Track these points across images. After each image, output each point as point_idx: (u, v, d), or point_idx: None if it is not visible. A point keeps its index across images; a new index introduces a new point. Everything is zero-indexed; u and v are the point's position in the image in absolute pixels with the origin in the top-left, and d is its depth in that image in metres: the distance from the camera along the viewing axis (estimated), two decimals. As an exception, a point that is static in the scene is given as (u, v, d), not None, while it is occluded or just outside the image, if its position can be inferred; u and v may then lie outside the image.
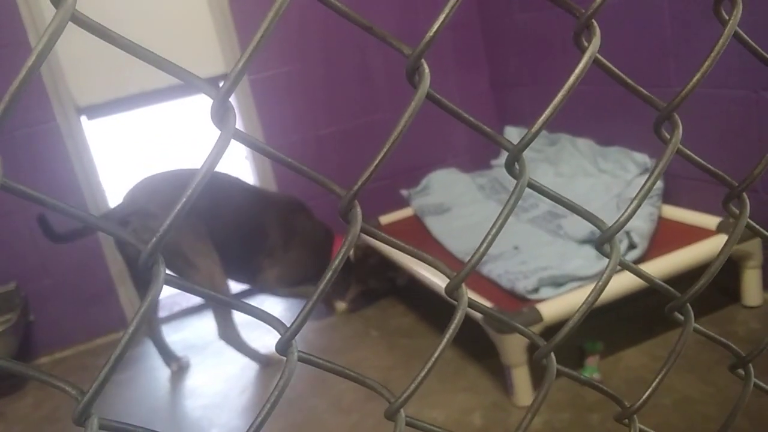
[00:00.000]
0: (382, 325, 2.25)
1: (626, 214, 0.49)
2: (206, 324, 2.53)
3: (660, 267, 1.68)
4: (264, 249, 2.26)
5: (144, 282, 2.17)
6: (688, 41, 1.88)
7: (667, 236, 1.86)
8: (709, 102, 1.83)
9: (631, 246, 1.77)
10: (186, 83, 0.42)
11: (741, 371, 0.62)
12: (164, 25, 2.47)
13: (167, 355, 2.22)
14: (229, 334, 2.10)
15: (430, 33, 0.44)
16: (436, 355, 0.50)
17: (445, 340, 0.49)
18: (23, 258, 2.41)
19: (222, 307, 2.07)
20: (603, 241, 0.51)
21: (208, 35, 2.52)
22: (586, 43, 0.48)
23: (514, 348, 1.57)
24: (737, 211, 0.54)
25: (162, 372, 2.22)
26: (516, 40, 2.67)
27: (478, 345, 1.83)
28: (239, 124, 2.59)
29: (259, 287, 2.34)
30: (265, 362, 2.10)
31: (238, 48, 2.53)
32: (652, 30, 1.98)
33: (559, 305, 1.61)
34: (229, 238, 2.16)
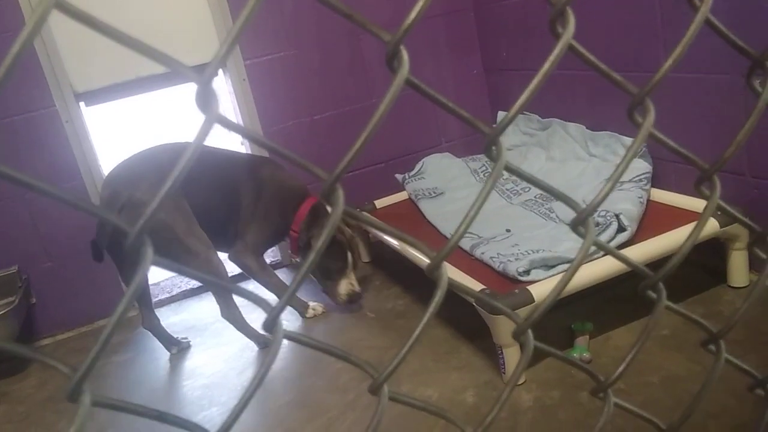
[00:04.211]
0: (378, 307, 2.28)
1: (600, 196, 0.51)
2: (205, 305, 2.56)
3: (649, 249, 1.71)
4: (239, 209, 2.22)
5: (130, 266, 2.18)
6: (677, 25, 1.88)
7: (655, 219, 1.88)
8: (697, 87, 1.84)
9: (621, 229, 1.79)
10: (171, 70, 0.44)
11: (712, 347, 0.64)
12: (161, 11, 2.47)
13: (167, 341, 2.25)
14: (230, 314, 2.11)
15: (408, 20, 0.46)
16: (417, 332, 0.52)
17: (426, 317, 0.52)
18: (24, 242, 2.43)
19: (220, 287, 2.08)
20: (577, 222, 0.53)
21: (204, 21, 2.52)
22: (561, 30, 0.49)
23: (505, 328, 1.60)
24: (708, 193, 0.55)
25: (162, 353, 2.25)
26: (509, 25, 2.67)
27: (471, 325, 1.86)
28: (236, 109, 2.61)
29: (234, 254, 2.23)
30: (263, 343, 2.13)
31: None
32: (641, 13, 1.98)
33: (549, 287, 1.62)
34: (208, 208, 2.13)
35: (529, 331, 0.55)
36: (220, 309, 2.12)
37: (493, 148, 0.50)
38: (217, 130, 0.44)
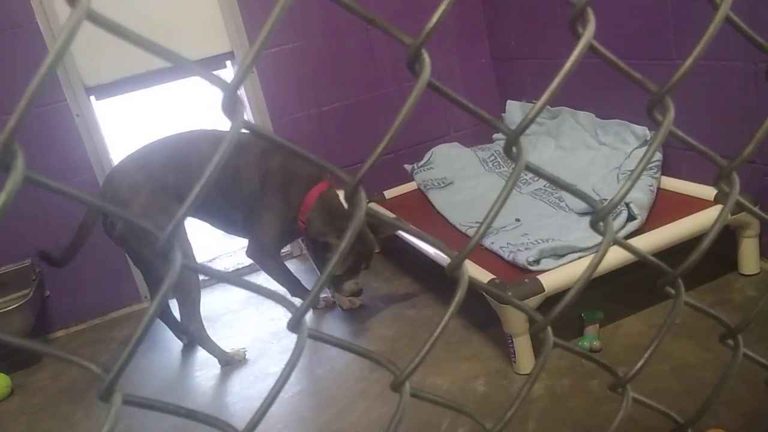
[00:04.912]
0: (388, 296, 2.30)
1: (619, 194, 0.52)
2: (217, 297, 2.59)
3: (659, 237, 1.71)
4: (244, 197, 2.08)
5: (139, 259, 2.14)
6: (689, 14, 1.86)
7: (665, 207, 1.88)
8: (708, 74, 1.83)
9: (631, 217, 1.79)
10: (197, 74, 0.44)
11: (731, 342, 0.65)
12: (170, 4, 2.46)
13: (178, 330, 2.26)
14: (194, 327, 2.05)
15: (430, 24, 0.46)
16: (438, 330, 0.53)
17: (446, 317, 0.52)
18: (37, 235, 2.46)
19: (189, 300, 2.02)
20: (597, 220, 0.54)
21: (213, 14, 2.51)
22: (581, 30, 0.49)
23: (515, 318, 1.61)
24: (727, 190, 0.56)
25: (175, 343, 2.28)
26: (517, 13, 2.65)
27: (481, 315, 1.87)
28: (244, 101, 2.61)
29: (250, 253, 2.16)
30: (225, 361, 2.06)
31: (243, 26, 2.53)
32: (652, 3, 1.96)
33: (559, 276, 1.64)
34: (209, 198, 2.03)
35: (549, 329, 0.55)
36: (182, 319, 2.07)
37: (514, 148, 0.51)
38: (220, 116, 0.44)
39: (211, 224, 2.23)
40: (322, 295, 2.32)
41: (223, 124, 0.47)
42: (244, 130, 0.45)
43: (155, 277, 2.16)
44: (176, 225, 0.43)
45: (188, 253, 2.01)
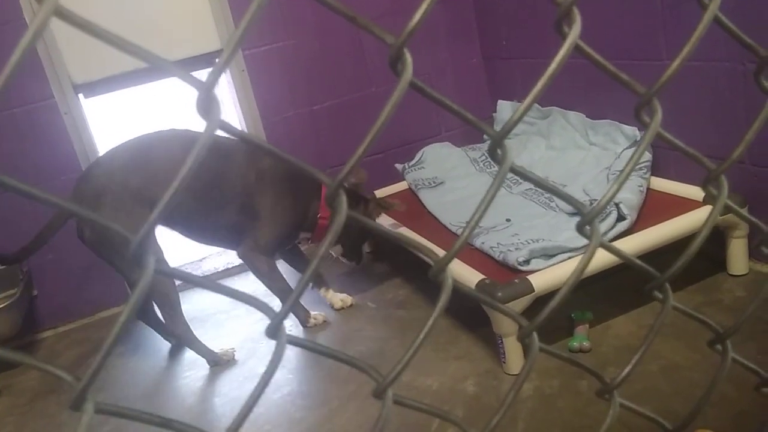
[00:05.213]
0: (379, 297, 2.29)
1: (605, 198, 0.51)
2: (206, 297, 2.57)
3: (649, 238, 1.71)
4: (229, 204, 2.01)
5: (111, 264, 2.06)
6: (679, 14, 1.86)
7: (655, 207, 1.88)
8: (696, 75, 1.83)
9: (621, 218, 1.79)
10: (173, 74, 0.43)
11: (719, 347, 0.64)
12: (159, 2, 2.44)
13: (164, 332, 2.23)
14: (180, 329, 2.03)
15: (412, 23, 0.45)
16: (421, 336, 0.52)
17: (430, 322, 0.51)
18: (26, 234, 2.42)
19: (168, 302, 1.99)
20: (583, 223, 0.53)
21: (203, 11, 2.49)
22: (567, 30, 0.48)
23: (505, 318, 1.60)
24: (715, 193, 0.55)
25: (163, 344, 2.26)
26: (508, 12, 2.64)
27: (471, 315, 1.87)
28: (235, 101, 2.59)
29: (242, 253, 2.08)
30: (214, 361, 2.03)
31: (233, 24, 2.51)
32: (642, 3, 1.96)
33: (549, 276, 1.64)
34: (183, 204, 1.95)
35: (534, 334, 0.55)
36: (166, 322, 2.04)
37: (498, 151, 0.50)
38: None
39: (182, 233, 2.11)
40: (313, 313, 2.17)
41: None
42: (222, 133, 0.44)
43: (129, 281, 2.14)
44: (148, 230, 0.42)
45: (160, 257, 1.92)
